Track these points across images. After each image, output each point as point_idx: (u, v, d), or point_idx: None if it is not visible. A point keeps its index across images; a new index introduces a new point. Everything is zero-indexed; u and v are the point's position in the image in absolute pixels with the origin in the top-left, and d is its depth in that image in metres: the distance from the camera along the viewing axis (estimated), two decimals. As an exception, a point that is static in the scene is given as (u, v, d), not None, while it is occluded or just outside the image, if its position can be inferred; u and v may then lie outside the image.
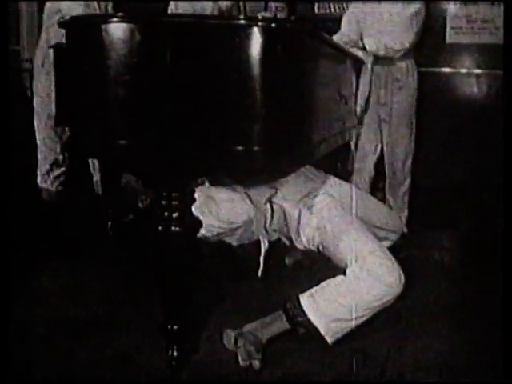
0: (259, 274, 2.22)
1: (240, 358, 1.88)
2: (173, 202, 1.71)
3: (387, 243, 2.34)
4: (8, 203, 1.54)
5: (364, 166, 3.31)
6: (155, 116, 1.59)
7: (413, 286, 2.07)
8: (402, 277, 1.94)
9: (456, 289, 2.33)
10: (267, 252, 2.22)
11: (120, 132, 1.62)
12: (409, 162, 3.28)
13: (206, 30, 1.58)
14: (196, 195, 2.01)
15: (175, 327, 1.82)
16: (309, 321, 1.93)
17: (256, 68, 1.55)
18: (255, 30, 1.53)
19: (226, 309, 2.28)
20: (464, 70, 3.79)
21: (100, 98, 1.60)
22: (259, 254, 2.22)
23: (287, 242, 2.27)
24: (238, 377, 1.85)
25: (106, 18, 1.56)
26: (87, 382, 1.81)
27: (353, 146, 3.02)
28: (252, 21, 1.56)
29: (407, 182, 3.30)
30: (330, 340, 1.94)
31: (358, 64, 2.87)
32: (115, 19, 1.56)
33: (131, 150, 1.62)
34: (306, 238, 2.16)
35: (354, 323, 1.93)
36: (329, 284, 1.98)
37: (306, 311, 1.94)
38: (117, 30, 1.54)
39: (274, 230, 2.22)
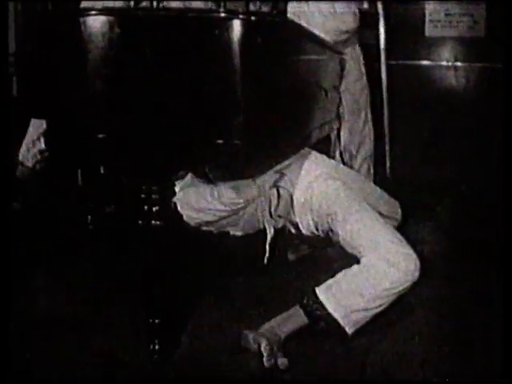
0: (265, 261, 2.18)
1: (265, 359, 1.83)
2: (153, 196, 1.70)
3: None
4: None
5: None
6: (134, 109, 1.59)
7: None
8: (418, 263, 1.91)
9: (435, 281, 2.34)
10: (273, 239, 2.18)
11: (99, 125, 1.61)
12: (364, 150, 3.23)
13: (186, 22, 1.57)
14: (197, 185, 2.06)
15: (157, 321, 1.82)
16: (328, 314, 1.90)
17: (236, 61, 1.55)
18: (235, 22, 1.53)
19: (208, 303, 2.28)
20: (443, 63, 3.82)
21: (79, 92, 1.59)
22: (264, 242, 2.18)
23: (292, 229, 2.22)
24: (221, 371, 1.84)
25: (84, 11, 1.54)
26: (69, 378, 1.80)
27: (333, 139, 3.02)
28: (232, 14, 1.56)
29: (363, 171, 3.23)
30: (349, 331, 1.91)
31: (340, 56, 2.88)
32: (93, 12, 1.54)
33: (110, 144, 1.60)
34: (313, 224, 2.11)
35: (373, 312, 1.91)
36: (345, 274, 1.94)
37: (325, 304, 1.90)
38: (95, 23, 1.52)
39: (280, 216, 2.17)
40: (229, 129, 1.60)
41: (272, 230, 2.18)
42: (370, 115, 3.22)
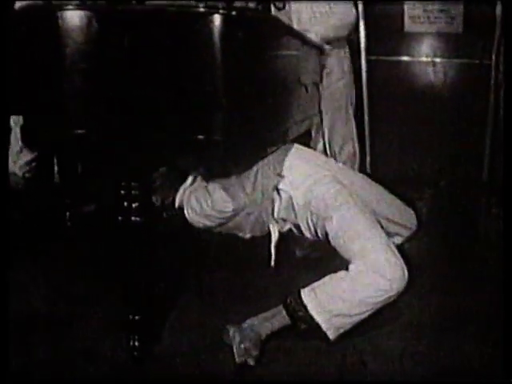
0: (271, 263, 2.16)
1: (236, 355, 1.84)
2: (132, 192, 1.69)
3: (399, 239, 2.27)
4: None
5: None
6: (113, 105, 1.57)
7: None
8: (406, 272, 1.89)
9: (416, 276, 2.37)
10: (278, 242, 2.16)
11: (77, 121, 1.58)
12: (347, 149, 3.23)
13: (166, 17, 1.55)
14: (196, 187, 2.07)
15: (136, 317, 1.81)
16: (310, 316, 1.89)
17: (217, 56, 1.54)
18: (216, 17, 1.52)
19: (188, 298, 2.27)
20: (422, 59, 3.85)
21: (56, 87, 1.56)
22: (269, 244, 2.17)
23: (296, 231, 2.19)
24: (200, 367, 1.84)
25: (61, 6, 1.51)
26: (48, 376, 1.78)
27: (313, 134, 3.02)
28: (212, 8, 1.55)
29: None
30: (331, 336, 1.89)
31: (320, 52, 2.88)
32: (71, 7, 1.51)
33: (88, 140, 1.58)
34: (313, 227, 2.09)
35: (356, 319, 1.89)
36: (331, 278, 1.93)
37: (308, 306, 1.89)
38: (73, 17, 1.50)
39: (284, 220, 2.16)
40: (209, 124, 1.59)
41: (276, 233, 2.16)
42: (352, 114, 3.23)
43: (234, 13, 1.55)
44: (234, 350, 1.85)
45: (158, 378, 1.80)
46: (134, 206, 1.70)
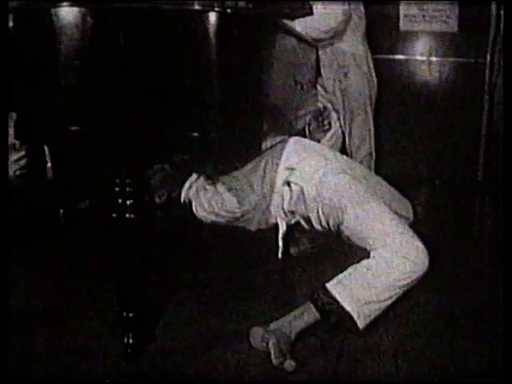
0: (279, 255, 2.16)
1: (273, 357, 1.82)
2: (127, 189, 1.68)
3: None
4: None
5: None
6: (108, 102, 1.57)
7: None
8: (427, 253, 1.91)
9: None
10: (285, 234, 2.16)
11: (71, 118, 1.58)
12: (364, 148, 3.27)
13: (161, 15, 1.55)
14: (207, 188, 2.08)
15: (131, 315, 1.81)
16: (341, 307, 1.88)
17: (212, 53, 1.54)
18: (211, 15, 1.52)
19: (182, 295, 2.27)
20: (417, 57, 3.86)
21: (51, 83, 1.56)
22: (277, 237, 2.16)
23: (305, 224, 2.17)
24: (194, 365, 1.83)
25: (56, 3, 1.50)
26: (41, 373, 1.78)
27: (308, 132, 3.02)
28: (207, 6, 1.55)
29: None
30: (361, 324, 1.89)
31: (316, 49, 2.89)
32: (65, 3, 1.51)
33: (83, 137, 1.58)
34: (325, 218, 2.07)
35: (385, 304, 1.90)
36: (356, 268, 1.93)
37: (338, 297, 1.89)
38: (68, 14, 1.50)
39: (292, 212, 2.15)
40: (204, 122, 1.59)
41: (284, 226, 2.16)
42: (371, 115, 3.24)
43: (228, 11, 1.55)
44: (272, 352, 1.82)
45: (151, 376, 1.79)
46: (128, 203, 1.70)
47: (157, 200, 2.16)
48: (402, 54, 3.89)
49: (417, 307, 2.16)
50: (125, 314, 1.81)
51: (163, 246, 2.30)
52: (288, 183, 2.11)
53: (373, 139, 3.26)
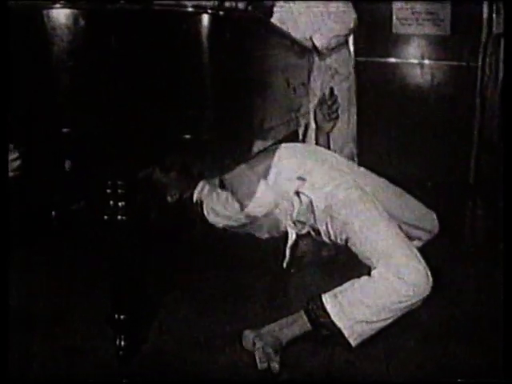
0: (284, 264, 2.14)
1: (258, 361, 1.82)
2: (119, 191, 1.68)
3: (418, 243, 2.24)
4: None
5: None
6: (100, 104, 1.56)
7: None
8: (430, 278, 1.85)
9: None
10: (294, 244, 2.14)
11: (64, 120, 1.58)
12: (347, 149, 3.25)
13: (153, 16, 1.55)
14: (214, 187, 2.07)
15: (122, 317, 1.81)
16: (332, 322, 1.86)
17: (204, 55, 1.54)
18: (203, 17, 1.52)
19: (175, 297, 2.27)
20: (409, 60, 3.88)
21: (42, 85, 1.56)
22: (285, 246, 2.14)
23: (314, 235, 2.16)
24: (187, 367, 1.84)
25: (48, 4, 1.50)
26: (33, 374, 1.78)
27: (301, 135, 3.03)
28: (200, 8, 1.55)
29: None
30: (353, 343, 1.86)
31: (308, 53, 2.89)
32: (58, 5, 1.50)
33: (75, 139, 1.58)
34: (333, 232, 2.05)
35: (378, 325, 1.86)
36: (353, 284, 1.90)
37: (330, 312, 1.86)
38: (60, 16, 1.49)
39: (302, 223, 2.13)
40: (196, 124, 1.59)
41: (294, 235, 2.14)
42: (354, 117, 3.24)
43: (221, 13, 1.55)
44: (256, 356, 1.82)
45: (144, 378, 1.79)
46: (120, 204, 1.69)
47: (169, 199, 2.15)
48: (395, 57, 3.90)
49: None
50: (117, 316, 1.81)
51: (156, 248, 2.30)
52: (298, 193, 2.09)
53: (356, 141, 3.27)
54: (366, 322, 1.85)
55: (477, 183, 3.78)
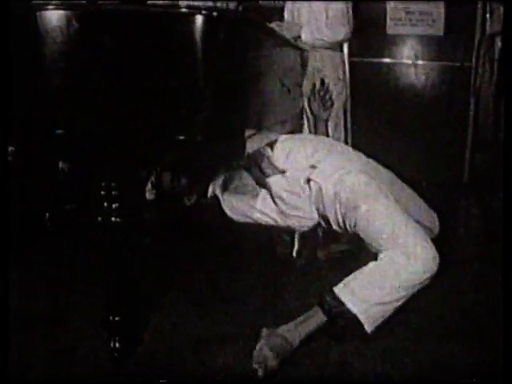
0: (294, 254, 2.16)
1: (253, 359, 1.82)
2: (113, 192, 1.68)
3: None
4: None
5: None
6: (93, 105, 1.56)
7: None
8: (437, 256, 1.89)
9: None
10: (303, 234, 2.17)
11: (57, 121, 1.57)
12: None
13: (147, 18, 1.55)
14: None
15: (117, 318, 1.80)
16: (348, 310, 1.86)
17: (198, 56, 1.54)
18: (197, 18, 1.52)
19: (170, 299, 2.27)
20: (403, 61, 3.89)
21: (36, 86, 1.55)
22: (293, 235, 2.19)
23: (323, 223, 2.17)
24: (182, 368, 1.83)
25: (41, 6, 1.49)
26: (27, 376, 1.77)
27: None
28: (194, 9, 1.55)
29: None
30: (369, 328, 1.87)
31: (302, 53, 2.90)
32: (51, 7, 1.50)
33: (68, 140, 1.57)
34: (341, 218, 2.06)
35: (393, 306, 1.87)
36: (362, 271, 1.92)
37: (343, 300, 1.86)
38: (53, 17, 1.49)
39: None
40: (190, 125, 1.58)
41: None
42: (341, 120, 3.25)
43: (215, 13, 1.55)
44: (254, 354, 1.82)
45: (139, 380, 1.78)
46: (113, 206, 1.69)
47: (186, 202, 2.16)
48: (389, 57, 3.91)
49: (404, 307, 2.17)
50: (111, 317, 1.80)
51: (151, 249, 2.29)
52: (308, 181, 2.12)
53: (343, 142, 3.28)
54: (380, 303, 1.86)
55: (471, 182, 3.79)
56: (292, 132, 2.88)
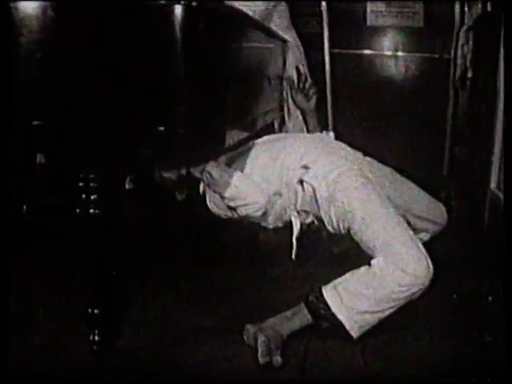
0: (292, 255, 2.11)
1: (260, 355, 1.78)
2: (91, 184, 1.66)
3: (426, 235, 2.25)
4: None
5: None
6: (71, 96, 1.54)
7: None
8: (431, 268, 1.83)
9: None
10: (299, 234, 2.11)
11: (33, 112, 1.55)
12: None
13: (125, 7, 1.52)
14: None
15: (96, 311, 1.79)
16: (332, 314, 1.85)
17: (178, 47, 1.53)
18: (176, 8, 1.51)
19: (150, 292, 2.26)
20: (383, 52, 3.89)
21: (12, 77, 1.52)
22: (291, 236, 2.12)
23: (318, 224, 2.15)
24: (162, 362, 1.82)
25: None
26: (4, 371, 1.74)
27: (277, 126, 3.03)
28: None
29: None
30: (354, 335, 1.85)
31: (284, 43, 2.89)
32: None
33: (45, 131, 1.55)
34: (335, 220, 2.02)
35: (379, 316, 1.85)
36: (353, 275, 1.89)
37: (330, 304, 1.85)
38: (27, 7, 1.46)
39: (306, 212, 2.11)
40: (170, 116, 1.57)
41: (298, 225, 2.12)
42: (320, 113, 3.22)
43: (194, 3, 1.53)
44: (259, 350, 1.80)
45: (118, 374, 1.77)
46: (92, 198, 1.67)
47: (178, 197, 2.14)
48: (369, 49, 3.91)
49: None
50: (90, 310, 1.79)
51: (130, 242, 2.28)
52: (301, 182, 2.08)
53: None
54: (367, 312, 1.84)
55: (450, 175, 3.82)
56: (272, 123, 2.88)
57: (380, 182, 2.12)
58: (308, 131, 2.73)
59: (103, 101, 1.55)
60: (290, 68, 3.00)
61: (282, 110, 2.96)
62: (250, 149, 2.24)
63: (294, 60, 3.03)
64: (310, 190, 2.06)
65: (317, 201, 2.05)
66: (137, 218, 2.34)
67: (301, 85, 2.70)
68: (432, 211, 2.28)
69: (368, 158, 2.33)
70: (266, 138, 2.36)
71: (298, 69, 2.83)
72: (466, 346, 1.89)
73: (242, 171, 2.12)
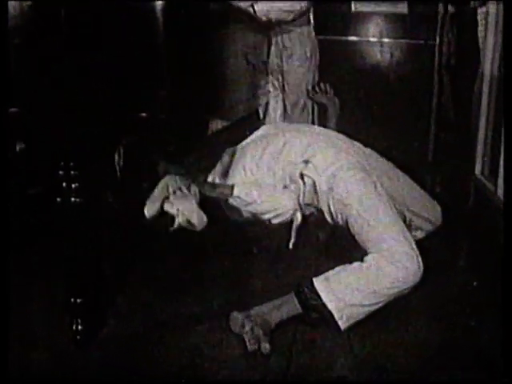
0: (290, 246, 2.11)
1: (248, 343, 1.80)
2: (72, 173, 1.64)
3: (421, 233, 2.27)
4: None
5: None
6: (51, 82, 1.51)
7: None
8: (422, 265, 1.86)
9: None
10: (300, 225, 2.11)
11: (12, 99, 1.52)
12: None
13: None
14: None
15: (79, 300, 1.78)
16: (323, 304, 1.86)
17: (160, 33, 1.51)
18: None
19: (135, 281, 2.24)
20: (368, 39, 3.89)
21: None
22: (291, 228, 2.11)
23: (318, 215, 2.15)
24: (146, 352, 1.81)
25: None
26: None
27: (261, 113, 3.01)
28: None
29: None
30: (342, 326, 1.87)
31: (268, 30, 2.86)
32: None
33: (23, 119, 1.52)
34: (334, 212, 2.04)
35: (368, 309, 1.87)
36: (345, 269, 1.91)
37: (321, 294, 1.86)
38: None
39: (307, 204, 2.11)
40: (152, 102, 1.56)
41: (299, 217, 2.11)
42: (310, 102, 3.21)
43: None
44: (246, 338, 1.81)
45: (101, 364, 1.75)
46: (73, 186, 1.65)
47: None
48: (354, 35, 3.90)
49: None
50: (73, 299, 1.77)
51: (114, 231, 2.25)
52: (302, 175, 2.09)
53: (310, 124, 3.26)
54: (357, 305, 1.87)
55: (435, 161, 3.84)
56: (257, 110, 2.87)
57: (379, 176, 2.14)
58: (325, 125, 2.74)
59: (84, 87, 1.53)
60: (273, 56, 2.99)
61: (266, 96, 2.94)
62: (240, 156, 2.21)
63: (277, 48, 3.02)
64: (311, 182, 2.08)
65: (317, 193, 2.08)
66: (122, 207, 2.32)
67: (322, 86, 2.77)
68: (428, 209, 2.30)
69: (368, 151, 2.34)
70: (253, 136, 2.32)
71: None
72: (452, 331, 1.91)
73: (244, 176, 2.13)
